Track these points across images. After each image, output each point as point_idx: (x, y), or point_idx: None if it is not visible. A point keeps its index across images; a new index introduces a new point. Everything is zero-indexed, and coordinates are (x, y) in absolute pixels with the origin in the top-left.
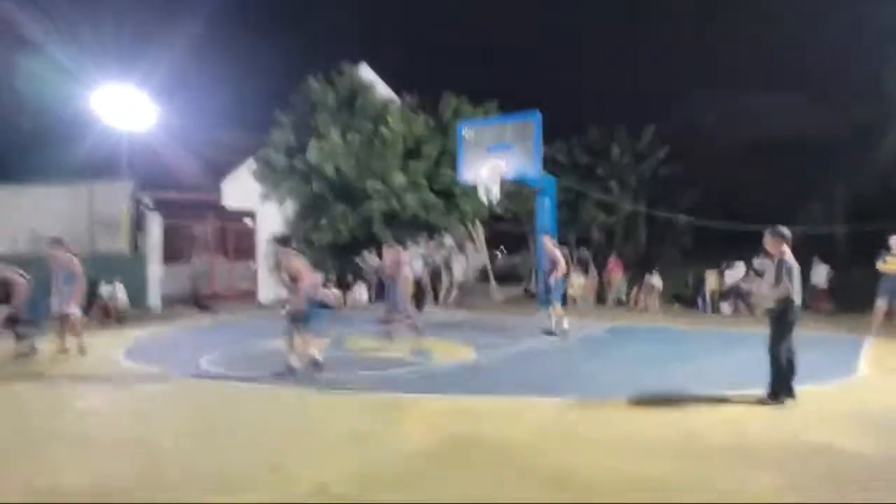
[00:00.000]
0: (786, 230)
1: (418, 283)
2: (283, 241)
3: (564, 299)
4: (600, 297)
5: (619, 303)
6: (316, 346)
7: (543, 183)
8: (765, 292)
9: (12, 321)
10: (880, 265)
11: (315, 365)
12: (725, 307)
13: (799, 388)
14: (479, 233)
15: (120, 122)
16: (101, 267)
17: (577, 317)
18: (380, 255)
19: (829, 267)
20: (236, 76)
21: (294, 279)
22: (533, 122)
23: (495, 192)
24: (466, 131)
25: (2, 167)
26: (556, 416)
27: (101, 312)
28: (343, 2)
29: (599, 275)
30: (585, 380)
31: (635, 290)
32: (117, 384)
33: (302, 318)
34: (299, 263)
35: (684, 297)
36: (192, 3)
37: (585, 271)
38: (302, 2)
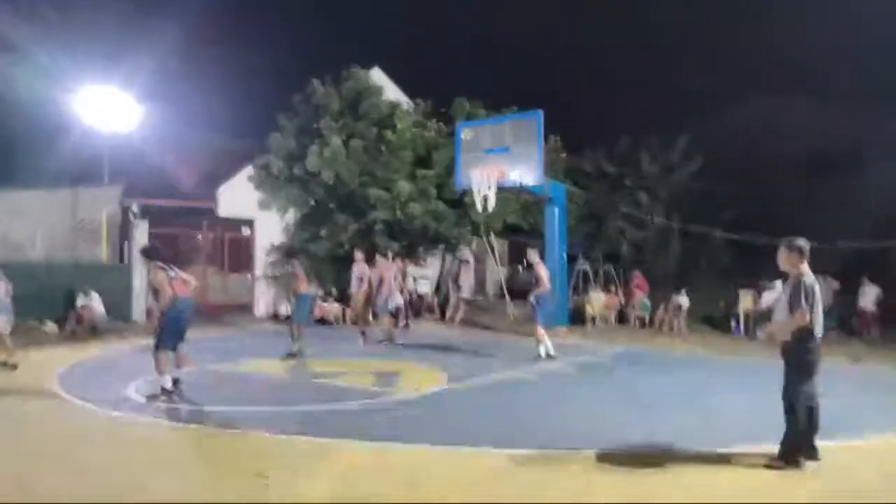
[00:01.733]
0: (804, 242)
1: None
2: (147, 252)
3: (581, 319)
4: (623, 317)
5: (642, 323)
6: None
7: (551, 190)
8: (779, 321)
9: None
10: None
11: (163, 391)
12: (762, 332)
13: (826, 444)
14: (495, 245)
15: (104, 125)
16: (81, 276)
17: (589, 338)
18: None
19: (879, 288)
20: (237, 78)
21: (156, 293)
22: (534, 122)
23: (492, 200)
24: (465, 132)
25: None
26: (499, 474)
27: (74, 324)
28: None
29: (625, 292)
30: (560, 422)
31: (661, 310)
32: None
33: (161, 336)
34: (163, 277)
35: (716, 320)
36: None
37: (608, 288)
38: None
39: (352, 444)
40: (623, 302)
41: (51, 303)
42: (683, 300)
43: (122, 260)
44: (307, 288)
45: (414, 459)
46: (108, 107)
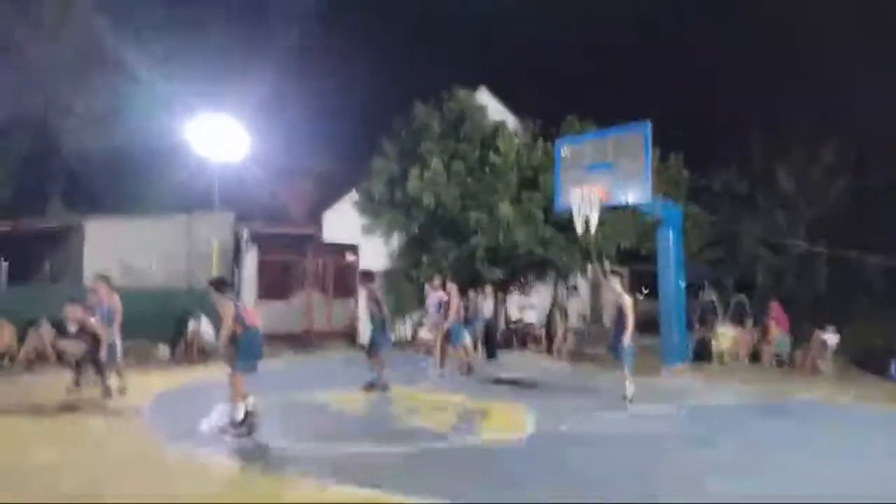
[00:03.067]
0: None
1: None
2: (216, 284)
3: (707, 355)
4: (756, 355)
5: (779, 363)
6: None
7: (663, 210)
8: None
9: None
10: None
11: (233, 424)
12: None
13: None
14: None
15: (214, 153)
16: (195, 301)
17: (711, 378)
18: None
19: None
20: (342, 104)
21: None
22: (641, 135)
23: (594, 221)
24: (565, 149)
25: (98, 198)
26: None
27: (185, 348)
28: (463, 26)
29: (760, 327)
30: (641, 487)
31: (803, 348)
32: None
33: (235, 363)
34: (229, 308)
35: (872, 361)
36: (288, 29)
37: (740, 321)
38: (423, 26)
39: (388, 497)
40: (757, 337)
41: (164, 326)
42: (830, 337)
43: (231, 285)
44: (384, 312)
45: None
46: (219, 135)
